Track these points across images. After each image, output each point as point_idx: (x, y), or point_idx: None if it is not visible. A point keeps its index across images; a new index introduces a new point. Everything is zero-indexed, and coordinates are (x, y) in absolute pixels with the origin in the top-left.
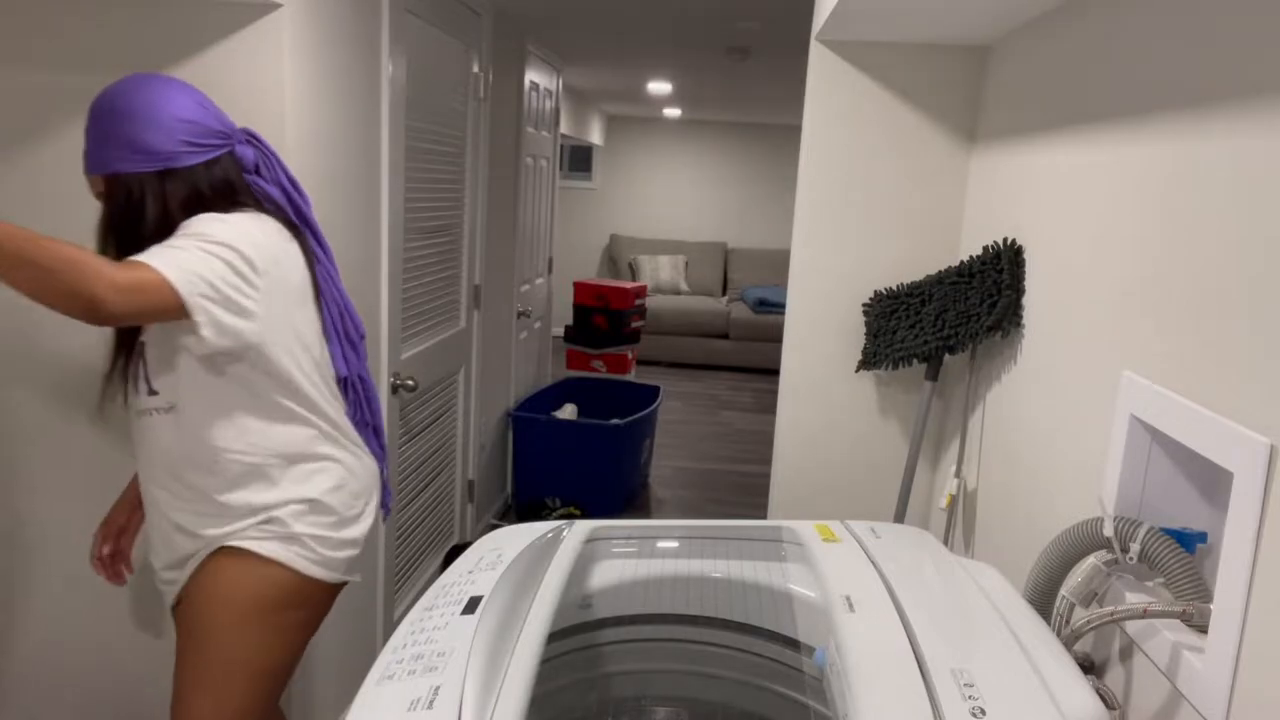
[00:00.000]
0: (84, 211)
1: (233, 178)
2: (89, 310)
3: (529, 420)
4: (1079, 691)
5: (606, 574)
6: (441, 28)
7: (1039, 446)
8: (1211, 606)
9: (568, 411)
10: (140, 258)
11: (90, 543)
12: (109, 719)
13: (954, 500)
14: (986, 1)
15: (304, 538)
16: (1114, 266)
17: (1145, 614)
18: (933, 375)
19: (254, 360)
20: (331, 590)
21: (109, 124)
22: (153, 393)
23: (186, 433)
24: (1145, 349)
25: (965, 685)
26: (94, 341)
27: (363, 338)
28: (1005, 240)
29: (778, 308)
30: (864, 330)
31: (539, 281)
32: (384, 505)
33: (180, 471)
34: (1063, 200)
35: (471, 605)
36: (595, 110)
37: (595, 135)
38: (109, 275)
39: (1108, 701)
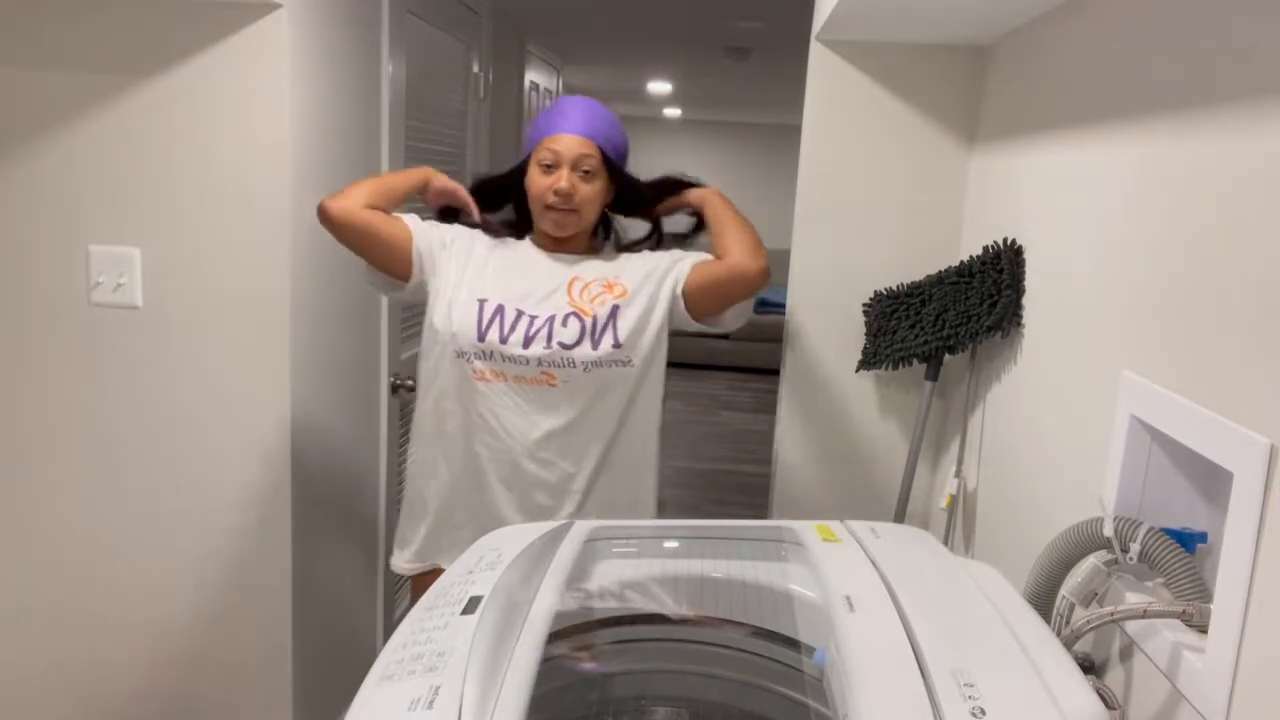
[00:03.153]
0: (83, 212)
1: None
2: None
3: None
4: (1079, 691)
5: (606, 574)
6: (441, 28)
7: (1039, 446)
8: (1211, 606)
9: None
10: None
11: None
12: None
13: (954, 500)
14: (986, 1)
15: None
16: (1114, 266)
17: (1145, 614)
18: (933, 375)
19: None
20: None
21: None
22: None
23: None
24: (1145, 349)
25: (965, 685)
26: None
27: None
28: (1005, 240)
29: (778, 308)
30: (864, 330)
31: None
32: None
33: None
34: (1063, 200)
35: (471, 605)
36: None
37: None
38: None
39: (1108, 701)
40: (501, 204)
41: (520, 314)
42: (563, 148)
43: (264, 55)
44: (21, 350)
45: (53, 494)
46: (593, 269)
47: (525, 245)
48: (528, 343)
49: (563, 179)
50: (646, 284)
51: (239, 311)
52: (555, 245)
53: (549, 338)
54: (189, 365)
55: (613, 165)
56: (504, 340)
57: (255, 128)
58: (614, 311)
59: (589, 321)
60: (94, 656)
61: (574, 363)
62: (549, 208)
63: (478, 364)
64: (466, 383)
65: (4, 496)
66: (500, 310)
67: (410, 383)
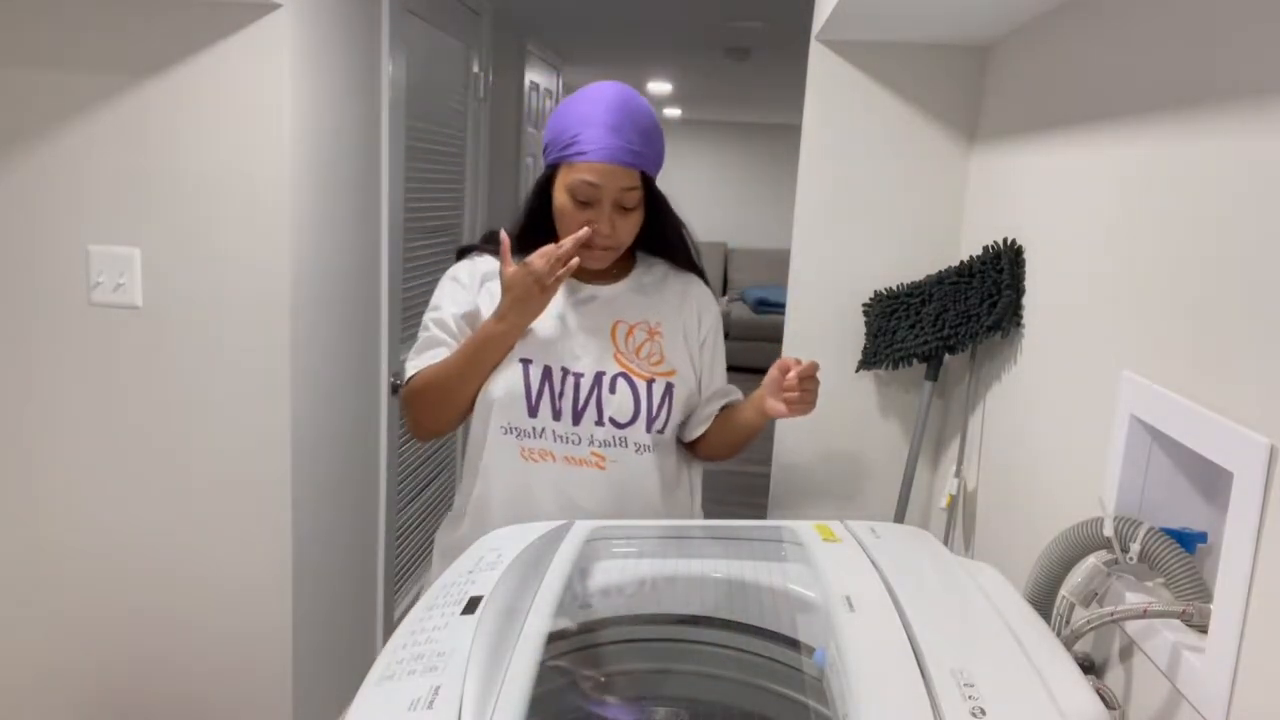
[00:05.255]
0: (83, 212)
1: None
2: None
3: None
4: (1079, 691)
5: (606, 574)
6: (441, 28)
7: (1039, 446)
8: (1211, 606)
9: None
10: None
11: None
12: None
13: (954, 500)
14: (986, 1)
15: None
16: (1114, 266)
17: (1145, 614)
18: (933, 375)
19: None
20: None
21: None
22: None
23: None
24: (1145, 349)
25: (965, 685)
26: None
27: None
28: (1005, 240)
29: (778, 308)
30: (864, 330)
31: None
32: None
33: None
34: (1063, 200)
35: (471, 605)
36: None
37: None
38: None
39: (1108, 701)
40: (542, 233)
41: (566, 374)
42: (604, 182)
43: (264, 55)
44: (21, 350)
45: (52, 494)
46: (631, 302)
47: None
48: (578, 417)
49: (604, 221)
50: (688, 368)
51: (239, 311)
52: (586, 272)
53: (599, 411)
54: (189, 365)
55: (653, 189)
56: (557, 415)
57: (255, 127)
58: (669, 393)
59: (642, 391)
60: (93, 656)
61: (626, 442)
62: (586, 245)
63: (528, 443)
64: (515, 463)
65: (3, 496)
66: (548, 374)
67: None
